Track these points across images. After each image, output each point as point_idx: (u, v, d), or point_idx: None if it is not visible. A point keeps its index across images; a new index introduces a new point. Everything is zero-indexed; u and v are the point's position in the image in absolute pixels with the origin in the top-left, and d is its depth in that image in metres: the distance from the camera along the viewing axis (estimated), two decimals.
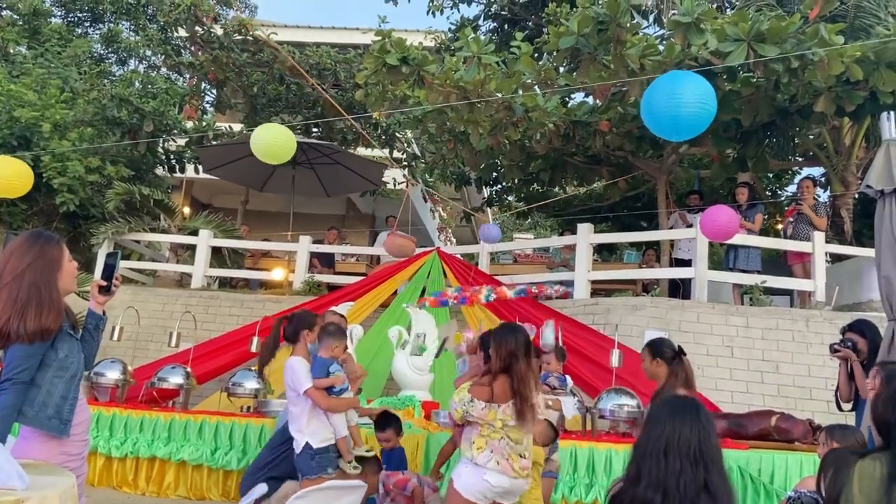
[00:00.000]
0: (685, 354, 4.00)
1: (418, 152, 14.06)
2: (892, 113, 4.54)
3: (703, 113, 4.30)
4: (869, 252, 7.72)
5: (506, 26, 13.68)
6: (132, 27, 18.91)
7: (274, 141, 6.23)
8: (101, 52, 18.01)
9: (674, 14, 7.02)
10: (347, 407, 4.39)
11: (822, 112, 7.42)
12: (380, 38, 7.86)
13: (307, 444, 4.17)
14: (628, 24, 6.83)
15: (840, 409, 4.82)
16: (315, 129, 12.97)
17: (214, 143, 12.02)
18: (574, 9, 7.40)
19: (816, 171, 11.72)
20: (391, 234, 7.05)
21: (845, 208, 9.51)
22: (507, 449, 3.46)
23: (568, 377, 5.70)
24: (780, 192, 13.87)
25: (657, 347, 4.08)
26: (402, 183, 13.73)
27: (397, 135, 13.24)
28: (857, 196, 9.59)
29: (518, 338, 3.56)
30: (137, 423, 6.15)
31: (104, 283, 3.00)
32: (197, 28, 11.59)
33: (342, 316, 5.57)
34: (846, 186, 9.51)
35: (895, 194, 4.19)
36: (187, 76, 14.84)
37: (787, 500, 3.21)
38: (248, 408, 6.59)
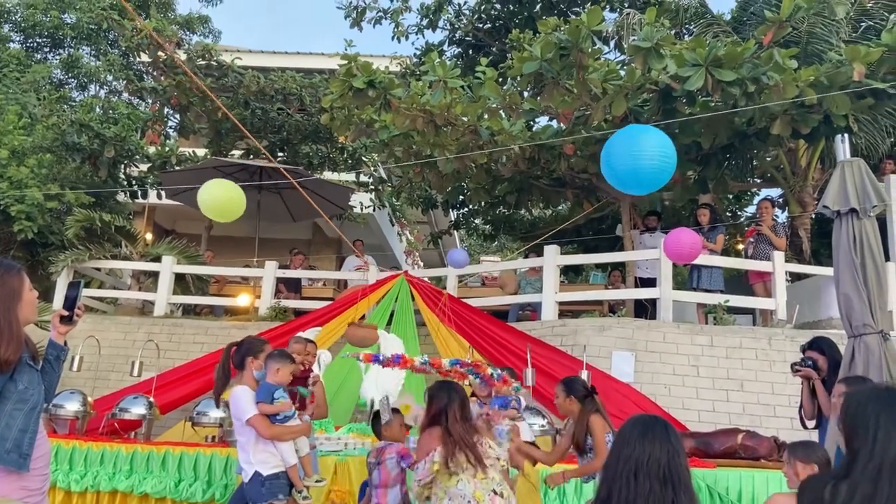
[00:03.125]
0: (597, 393, 4.19)
1: (385, 176, 14.08)
2: (845, 135, 4.69)
3: (664, 166, 4.35)
4: (827, 271, 7.91)
5: (470, 52, 13.86)
6: (93, 52, 18.69)
7: (222, 197, 6.13)
8: (61, 77, 17.75)
9: (634, 40, 7.18)
10: (294, 435, 4.24)
11: (778, 134, 7.63)
12: (346, 61, 7.89)
13: (256, 472, 4.06)
14: (590, 50, 6.97)
15: (804, 426, 4.90)
16: (280, 154, 12.91)
17: (178, 168, 11.88)
18: (537, 35, 7.53)
19: (774, 192, 12.03)
20: (352, 324, 6.99)
21: (803, 228, 9.75)
22: (468, 491, 3.38)
23: (521, 398, 5.67)
24: (739, 213, 14.18)
25: (570, 385, 4.26)
26: (368, 207, 13.71)
27: (363, 159, 13.25)
28: (814, 216, 9.84)
29: (451, 394, 3.63)
30: (98, 455, 5.96)
31: (66, 313, 2.93)
32: (160, 53, 11.50)
33: (312, 341, 5.50)
34: (803, 207, 9.76)
35: (851, 214, 4.32)
36: (150, 101, 14.70)
37: None
38: (214, 437, 6.45)
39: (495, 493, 3.43)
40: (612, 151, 4.42)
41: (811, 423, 4.83)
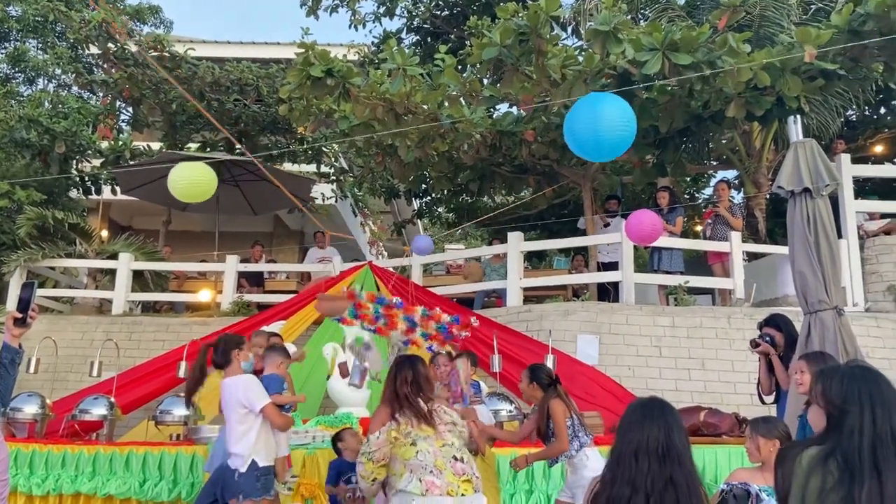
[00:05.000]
0: (560, 383, 4.33)
1: (346, 166, 13.96)
2: (797, 117, 4.79)
3: (625, 134, 4.41)
4: (783, 249, 8.09)
5: (428, 39, 13.80)
6: (40, 45, 18.13)
7: (194, 179, 6.07)
8: (7, 71, 17.20)
9: (591, 25, 7.21)
10: (290, 426, 4.43)
11: (733, 117, 7.76)
12: (303, 50, 7.77)
13: (254, 462, 3.98)
14: (548, 35, 6.98)
15: (763, 402, 5.01)
16: (238, 146, 12.69)
17: (132, 162, 11.61)
18: (495, 21, 7.52)
19: (730, 174, 12.25)
20: (321, 297, 6.86)
21: (759, 208, 9.95)
22: (429, 460, 3.33)
23: (481, 383, 5.69)
24: (697, 195, 14.42)
25: (534, 373, 4.40)
26: (330, 198, 13.58)
27: (324, 149, 13.11)
28: (769, 196, 10.05)
29: (402, 364, 3.69)
30: (59, 458, 5.83)
31: (20, 315, 2.85)
32: (109, 45, 11.19)
33: (278, 335, 5.45)
34: (758, 188, 9.95)
35: (805, 194, 4.41)
36: (100, 95, 14.31)
37: (720, 493, 3.30)
38: (178, 436, 6.36)
39: (455, 458, 3.42)
40: (574, 119, 4.48)
41: (769, 399, 4.94)
